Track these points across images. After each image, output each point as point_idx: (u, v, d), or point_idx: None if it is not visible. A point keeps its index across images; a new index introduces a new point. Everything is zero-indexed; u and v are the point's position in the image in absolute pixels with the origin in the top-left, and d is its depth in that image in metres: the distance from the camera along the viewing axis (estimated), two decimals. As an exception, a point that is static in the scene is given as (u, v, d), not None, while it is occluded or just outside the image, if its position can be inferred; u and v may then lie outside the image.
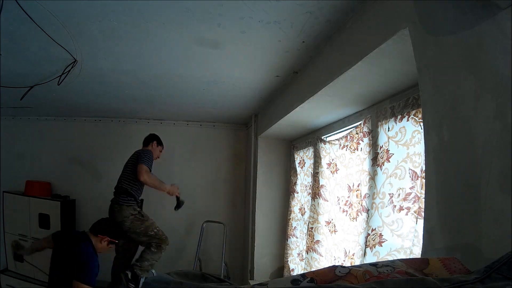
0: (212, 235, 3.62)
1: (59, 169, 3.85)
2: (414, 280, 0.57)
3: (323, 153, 2.40)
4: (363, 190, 1.85)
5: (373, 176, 1.75)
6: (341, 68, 1.55)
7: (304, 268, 2.56)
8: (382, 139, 1.72)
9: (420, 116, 1.45)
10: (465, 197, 0.83)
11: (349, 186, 2.04)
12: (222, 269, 3.22)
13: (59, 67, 2.18)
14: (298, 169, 3.04)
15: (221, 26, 1.62)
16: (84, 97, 3.04)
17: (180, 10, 1.50)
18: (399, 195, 1.52)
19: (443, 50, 0.93)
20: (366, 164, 1.84)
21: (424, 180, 1.18)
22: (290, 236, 3.06)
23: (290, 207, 3.11)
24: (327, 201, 2.33)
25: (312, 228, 2.45)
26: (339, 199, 2.17)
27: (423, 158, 1.29)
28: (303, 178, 2.94)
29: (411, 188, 1.45)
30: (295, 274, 2.23)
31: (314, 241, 2.40)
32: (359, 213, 1.87)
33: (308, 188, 2.78)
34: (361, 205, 1.85)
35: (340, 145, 2.18)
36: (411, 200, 1.45)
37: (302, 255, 2.76)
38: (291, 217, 3.08)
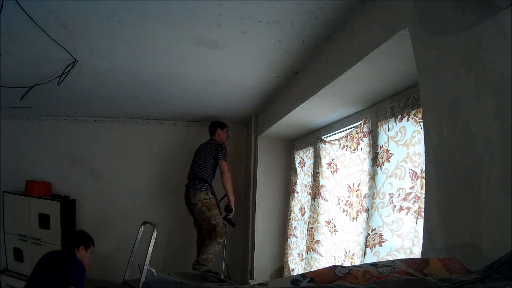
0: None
1: (59, 169, 3.85)
2: (414, 280, 0.57)
3: (323, 153, 2.40)
4: (363, 190, 1.85)
5: (373, 176, 1.75)
6: (341, 68, 1.54)
7: (304, 268, 2.56)
8: (382, 139, 1.72)
9: (420, 116, 1.45)
10: (465, 197, 0.83)
11: (349, 186, 2.04)
12: (223, 269, 3.22)
13: (59, 67, 2.18)
14: (298, 169, 3.04)
15: (221, 26, 1.62)
16: (84, 97, 3.03)
17: (180, 10, 1.50)
18: (399, 195, 1.52)
19: (443, 50, 0.93)
20: (366, 164, 1.84)
21: (424, 180, 1.18)
22: (290, 236, 3.06)
23: (290, 207, 3.11)
24: (327, 201, 2.33)
25: (312, 228, 2.45)
26: (339, 199, 2.17)
27: (423, 158, 1.28)
28: (303, 178, 2.94)
29: (411, 188, 1.45)
30: (295, 274, 2.23)
31: (314, 241, 2.40)
32: (359, 213, 1.87)
33: (308, 188, 2.78)
34: (361, 205, 1.85)
35: (340, 145, 2.18)
36: (411, 200, 1.45)
37: (302, 255, 2.76)
38: (291, 217, 3.08)
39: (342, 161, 2.15)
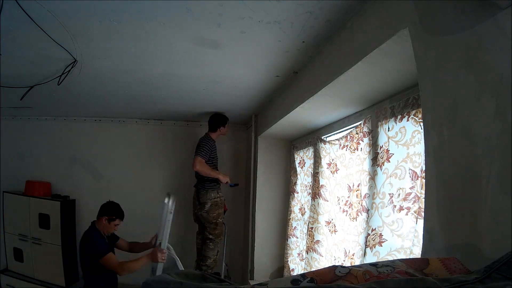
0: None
1: (59, 169, 3.85)
2: (414, 280, 0.57)
3: (323, 153, 2.40)
4: (363, 190, 1.85)
5: (373, 176, 1.75)
6: (341, 68, 1.55)
7: (304, 268, 2.56)
8: (382, 139, 1.72)
9: (420, 116, 1.45)
10: (465, 197, 0.83)
11: (349, 186, 2.04)
12: (223, 269, 3.22)
13: (59, 67, 2.18)
14: (298, 169, 3.04)
15: (221, 26, 1.62)
16: (84, 97, 3.03)
17: (180, 10, 1.50)
18: (399, 195, 1.52)
19: (443, 50, 0.93)
20: (366, 164, 1.84)
21: (424, 180, 1.18)
22: (290, 236, 3.06)
23: (290, 207, 3.11)
24: (327, 201, 2.33)
25: (312, 228, 2.45)
26: (339, 199, 2.17)
27: (423, 158, 1.29)
28: (303, 178, 2.94)
29: (411, 188, 1.45)
30: (295, 274, 2.23)
31: (314, 241, 2.40)
32: (359, 213, 1.87)
33: (308, 188, 2.78)
34: (361, 205, 1.85)
35: (340, 145, 2.18)
36: (411, 200, 1.45)
37: (302, 255, 2.76)
38: (291, 217, 3.08)
39: (342, 161, 2.15)
